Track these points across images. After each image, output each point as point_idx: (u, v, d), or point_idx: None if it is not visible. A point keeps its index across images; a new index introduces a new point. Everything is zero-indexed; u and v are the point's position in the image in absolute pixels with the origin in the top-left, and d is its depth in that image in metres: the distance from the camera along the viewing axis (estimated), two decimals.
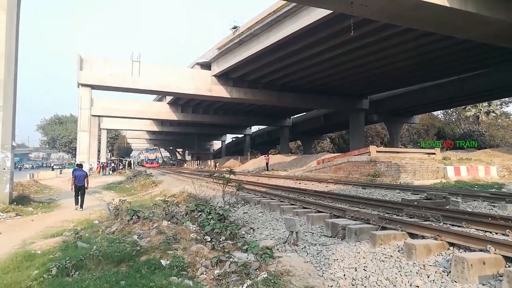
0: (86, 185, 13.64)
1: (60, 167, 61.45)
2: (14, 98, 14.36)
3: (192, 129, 71.39)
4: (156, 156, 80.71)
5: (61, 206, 15.20)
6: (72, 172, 13.93)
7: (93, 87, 37.28)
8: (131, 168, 57.29)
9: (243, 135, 78.55)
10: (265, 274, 4.80)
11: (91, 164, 40.38)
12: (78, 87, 36.89)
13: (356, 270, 4.94)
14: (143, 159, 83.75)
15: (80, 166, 14.93)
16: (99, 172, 42.60)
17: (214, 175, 12.39)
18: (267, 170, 37.57)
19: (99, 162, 49.43)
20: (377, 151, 24.12)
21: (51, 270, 5.30)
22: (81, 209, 13.31)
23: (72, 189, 13.60)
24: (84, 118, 37.74)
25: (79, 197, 13.53)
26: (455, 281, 4.26)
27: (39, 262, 6.05)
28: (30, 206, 14.34)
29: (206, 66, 38.47)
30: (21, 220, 11.62)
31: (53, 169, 52.50)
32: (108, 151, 77.10)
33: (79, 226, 9.81)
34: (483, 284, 4.15)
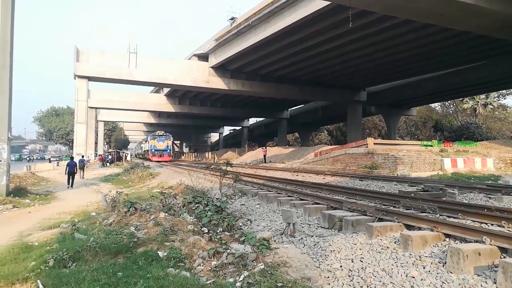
0: (76, 171, 20.14)
1: (57, 159, 61.19)
2: (10, 90, 14.25)
3: (189, 121, 71.19)
4: (168, 146, 55.06)
5: (58, 198, 15.18)
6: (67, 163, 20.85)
7: (90, 78, 37.10)
8: (125, 160, 55.78)
9: (240, 127, 78.50)
10: (262, 265, 4.81)
11: (88, 156, 40.32)
12: (75, 78, 36.69)
13: (352, 261, 4.96)
14: (147, 150, 59.41)
15: (71, 158, 23.34)
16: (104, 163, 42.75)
17: (211, 167, 12.38)
18: (265, 162, 37.59)
19: (103, 154, 49.68)
20: (374, 143, 24.17)
21: (48, 262, 5.30)
22: (71, 188, 19.05)
23: (65, 173, 19.84)
24: (81, 110, 37.60)
25: (70, 180, 19.53)
26: (451, 272, 4.28)
27: (36, 254, 6.05)
28: (27, 198, 14.32)
29: (204, 57, 38.28)
30: (18, 212, 11.61)
31: (50, 161, 52.35)
32: (105, 143, 76.78)
33: (76, 218, 9.81)
34: (478, 275, 4.17)
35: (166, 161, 50.94)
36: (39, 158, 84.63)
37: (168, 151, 55.04)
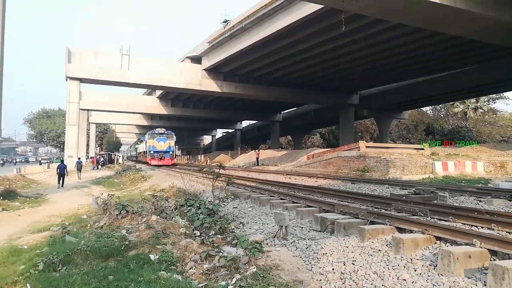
0: (66, 173, 20.92)
1: (48, 161, 60.35)
2: (0, 91, 14.10)
3: (182, 123, 70.76)
4: (170, 146, 44.34)
5: (49, 201, 15.02)
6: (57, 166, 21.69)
7: (81, 80, 36.77)
8: (116, 163, 53.84)
9: (233, 130, 78.40)
10: (254, 268, 4.81)
11: (79, 158, 39.99)
12: (66, 80, 36.34)
13: (344, 264, 4.98)
14: (143, 152, 49.41)
15: (62, 161, 24.12)
16: (95, 165, 42.45)
17: (204, 169, 12.35)
18: (258, 165, 37.57)
19: (94, 156, 49.25)
20: (366, 146, 24.26)
21: (38, 265, 5.25)
22: (62, 188, 20.02)
23: (57, 173, 20.88)
24: (73, 112, 37.23)
25: (61, 180, 20.55)
26: (442, 274, 4.31)
27: (26, 257, 5.98)
28: (17, 201, 14.14)
29: (197, 60, 38.20)
30: (8, 215, 11.46)
31: (40, 164, 51.80)
32: (97, 146, 76.12)
33: (67, 220, 9.71)
34: (469, 277, 4.21)
35: (168, 165, 41.14)
36: (22, 161, 76.72)
37: (171, 152, 44.65)
